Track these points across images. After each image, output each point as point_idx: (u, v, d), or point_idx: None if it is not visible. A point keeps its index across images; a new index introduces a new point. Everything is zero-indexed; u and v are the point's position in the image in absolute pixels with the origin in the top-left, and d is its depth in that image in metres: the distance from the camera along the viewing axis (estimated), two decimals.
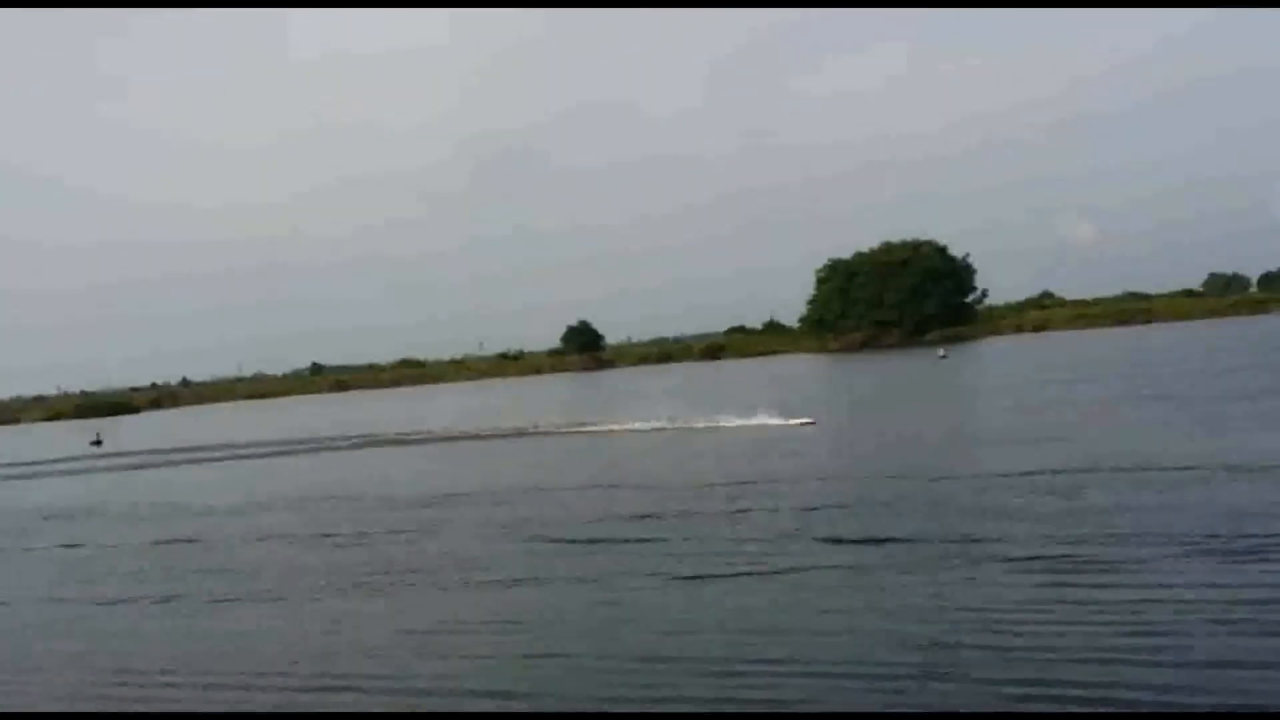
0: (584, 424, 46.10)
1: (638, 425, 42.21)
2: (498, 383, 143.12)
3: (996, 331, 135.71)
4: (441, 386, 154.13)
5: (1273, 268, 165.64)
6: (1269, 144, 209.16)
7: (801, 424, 35.84)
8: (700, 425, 39.18)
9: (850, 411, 41.48)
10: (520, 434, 46.38)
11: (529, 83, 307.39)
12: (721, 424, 38.48)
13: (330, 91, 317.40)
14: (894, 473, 23.20)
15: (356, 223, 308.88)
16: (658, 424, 41.29)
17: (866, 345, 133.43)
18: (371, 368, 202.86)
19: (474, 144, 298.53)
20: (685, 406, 44.21)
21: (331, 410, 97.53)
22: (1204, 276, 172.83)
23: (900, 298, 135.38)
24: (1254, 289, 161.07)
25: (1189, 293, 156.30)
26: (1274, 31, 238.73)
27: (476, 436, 47.42)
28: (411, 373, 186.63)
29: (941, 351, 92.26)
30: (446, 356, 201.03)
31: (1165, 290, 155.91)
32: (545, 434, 44.94)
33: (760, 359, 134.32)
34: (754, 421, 37.56)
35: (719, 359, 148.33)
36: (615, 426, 43.34)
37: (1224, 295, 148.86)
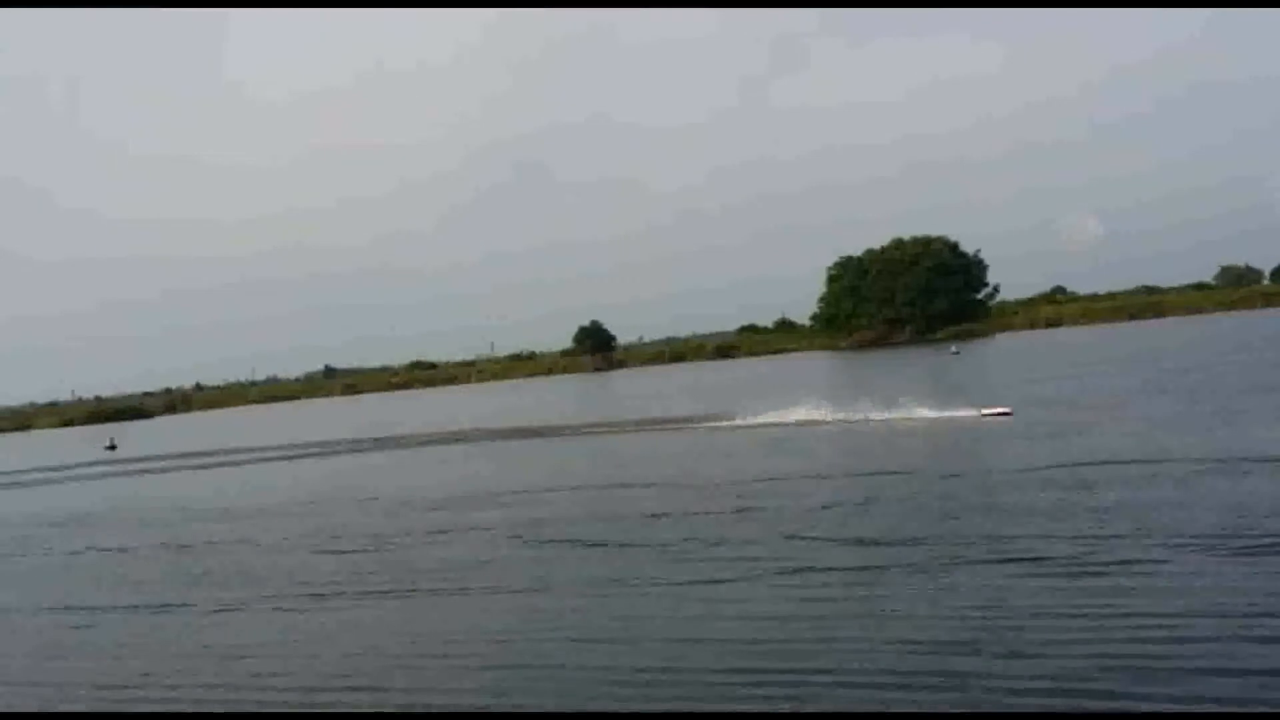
0: (710, 417, 42.70)
1: (775, 418, 38.69)
2: (521, 383, 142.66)
3: (1008, 327, 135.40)
4: (460, 388, 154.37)
5: None
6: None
7: (998, 414, 33.16)
8: (880, 417, 35.80)
9: (1033, 403, 36.49)
10: (636, 428, 43.86)
11: (540, 94, 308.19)
12: (910, 415, 35.06)
13: (341, 110, 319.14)
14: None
15: (368, 234, 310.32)
16: (814, 414, 38.04)
17: (878, 342, 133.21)
18: (383, 370, 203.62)
19: (485, 155, 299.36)
20: (847, 397, 40.34)
21: (390, 410, 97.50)
22: (1215, 270, 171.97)
23: (911, 295, 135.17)
24: (1266, 281, 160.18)
25: (1201, 286, 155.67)
26: None
27: (584, 431, 45.73)
28: (423, 375, 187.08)
29: (954, 348, 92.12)
30: (457, 359, 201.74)
31: (1177, 284, 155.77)
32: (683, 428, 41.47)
33: (774, 357, 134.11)
34: (945, 414, 34.49)
35: (731, 358, 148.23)
36: (747, 420, 39.68)
37: (1236, 288, 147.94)
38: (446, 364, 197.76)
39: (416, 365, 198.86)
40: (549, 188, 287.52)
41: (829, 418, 37.54)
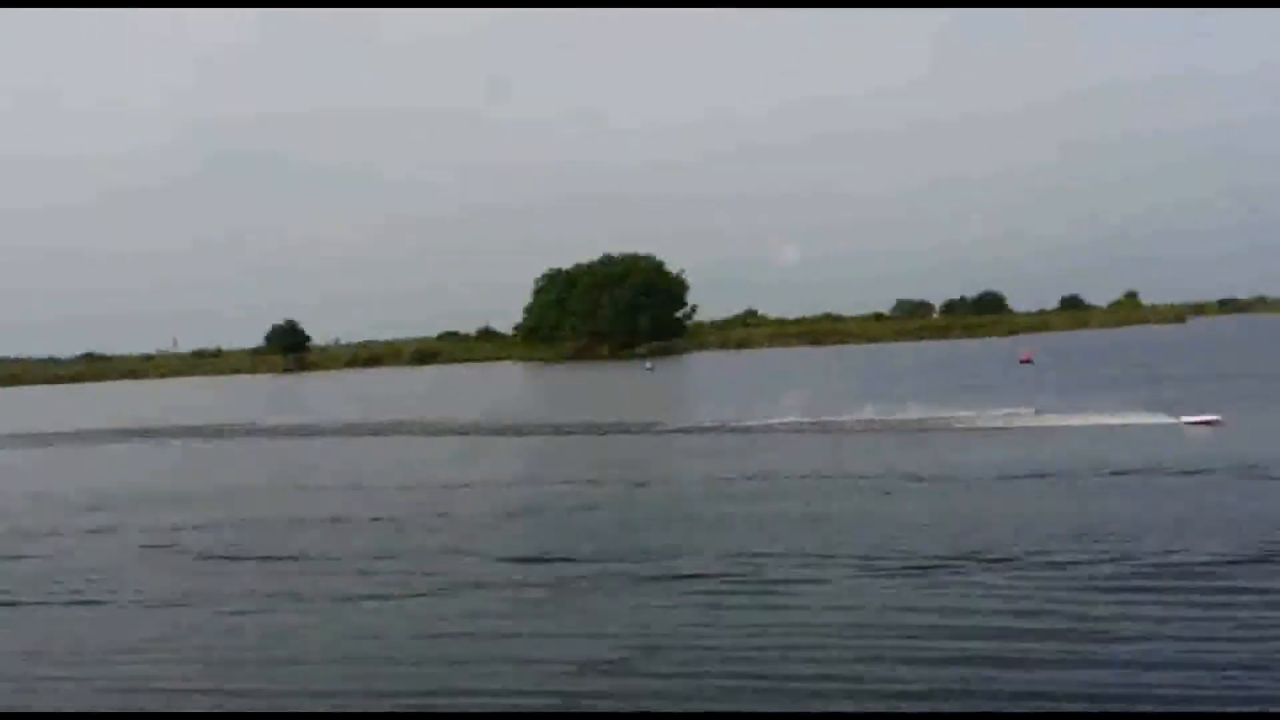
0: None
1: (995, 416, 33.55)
2: (222, 380, 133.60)
3: (704, 346, 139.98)
4: (140, 383, 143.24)
5: (954, 296, 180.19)
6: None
7: (1203, 423, 29.32)
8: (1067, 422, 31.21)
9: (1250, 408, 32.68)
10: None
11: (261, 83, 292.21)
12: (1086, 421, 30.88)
13: None
14: None
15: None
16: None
17: (579, 356, 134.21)
18: (50, 361, 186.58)
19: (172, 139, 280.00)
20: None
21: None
22: (892, 302, 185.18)
23: (616, 311, 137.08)
24: (937, 315, 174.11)
25: (879, 316, 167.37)
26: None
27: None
28: (96, 369, 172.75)
29: (649, 364, 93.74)
30: (134, 352, 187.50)
31: (857, 313, 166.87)
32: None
33: (476, 365, 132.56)
34: (1131, 420, 30.40)
35: (430, 364, 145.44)
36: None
37: (910, 319, 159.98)
38: (121, 358, 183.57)
39: (89, 358, 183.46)
40: (240, 176, 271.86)
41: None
